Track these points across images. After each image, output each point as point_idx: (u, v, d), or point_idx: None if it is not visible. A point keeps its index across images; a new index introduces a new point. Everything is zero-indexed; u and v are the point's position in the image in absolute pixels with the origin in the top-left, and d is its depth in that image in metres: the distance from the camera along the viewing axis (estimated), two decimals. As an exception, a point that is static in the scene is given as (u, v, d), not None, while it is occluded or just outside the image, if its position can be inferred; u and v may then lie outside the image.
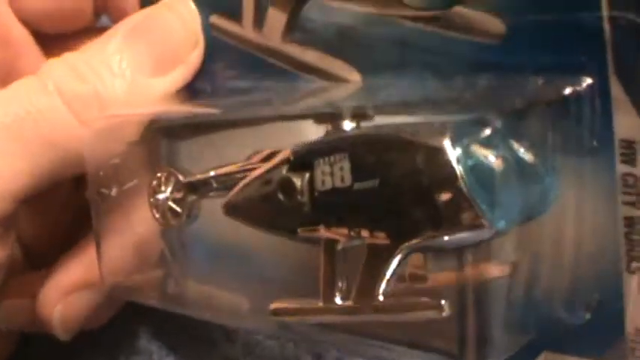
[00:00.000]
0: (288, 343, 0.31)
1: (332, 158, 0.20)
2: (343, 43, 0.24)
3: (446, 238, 0.18)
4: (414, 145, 0.18)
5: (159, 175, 0.26)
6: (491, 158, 0.18)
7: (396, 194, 0.19)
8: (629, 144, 0.20)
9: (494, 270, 0.20)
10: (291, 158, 0.21)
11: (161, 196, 0.26)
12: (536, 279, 0.21)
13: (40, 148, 0.24)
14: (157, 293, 0.27)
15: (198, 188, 0.25)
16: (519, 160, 0.19)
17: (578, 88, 0.20)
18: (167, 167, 0.26)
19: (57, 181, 0.25)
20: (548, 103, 0.20)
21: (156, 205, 0.26)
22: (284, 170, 0.21)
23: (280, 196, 0.21)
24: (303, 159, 0.20)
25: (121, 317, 0.30)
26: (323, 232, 0.20)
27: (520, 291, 0.21)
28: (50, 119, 0.25)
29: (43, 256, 0.28)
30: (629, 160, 0.20)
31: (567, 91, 0.20)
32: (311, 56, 0.24)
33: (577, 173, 0.21)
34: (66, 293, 0.27)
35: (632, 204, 0.20)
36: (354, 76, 0.24)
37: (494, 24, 0.21)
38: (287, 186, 0.20)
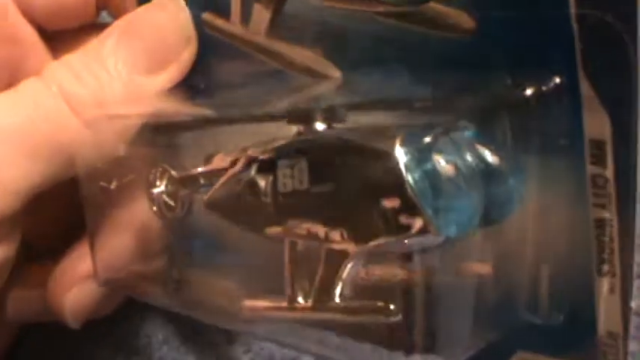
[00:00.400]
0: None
1: (293, 161, 0.20)
2: (323, 39, 0.24)
3: (396, 243, 0.18)
4: (365, 150, 0.18)
5: (154, 170, 0.26)
6: (442, 164, 0.18)
7: (349, 199, 0.19)
8: (598, 144, 0.20)
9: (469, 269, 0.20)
10: (259, 159, 0.21)
11: (156, 191, 0.26)
12: (503, 280, 0.21)
13: (46, 149, 0.26)
14: (158, 287, 0.27)
15: (188, 183, 0.26)
16: (482, 163, 0.19)
17: (547, 87, 0.20)
18: (162, 163, 0.26)
19: (61, 179, 0.26)
20: (515, 103, 0.20)
21: (152, 199, 0.27)
22: (253, 171, 0.21)
23: (248, 197, 0.21)
24: (269, 160, 0.21)
25: (123, 316, 0.31)
26: (284, 233, 0.20)
27: (486, 291, 0.21)
28: (56, 121, 0.26)
29: (47, 249, 0.29)
30: (598, 161, 0.20)
31: (536, 89, 0.20)
32: (293, 52, 0.24)
33: (547, 174, 0.20)
34: (76, 282, 0.28)
35: (602, 206, 0.20)
36: (335, 73, 0.24)
37: (465, 20, 0.21)
38: (253, 187, 0.21)
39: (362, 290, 0.20)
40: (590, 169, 0.20)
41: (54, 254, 0.29)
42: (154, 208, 0.27)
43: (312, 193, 0.19)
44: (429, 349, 0.20)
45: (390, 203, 0.18)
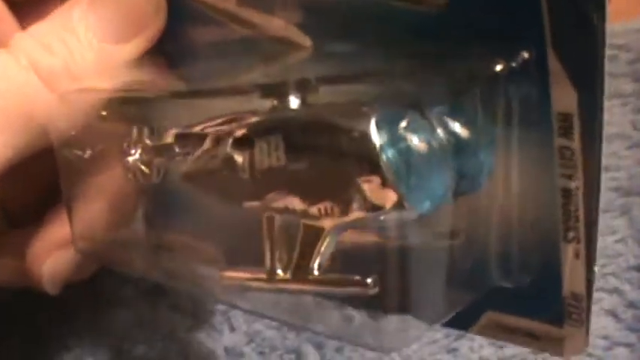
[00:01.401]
0: (290, 332, 0.32)
1: (269, 137, 0.20)
2: (294, 8, 0.24)
3: (372, 219, 0.19)
4: (340, 128, 0.19)
5: (128, 139, 0.26)
6: (415, 142, 0.19)
7: (325, 175, 0.19)
8: (565, 117, 0.20)
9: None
10: (235, 134, 0.21)
11: (130, 159, 0.27)
12: (474, 245, 0.22)
13: (18, 122, 0.25)
14: (137, 255, 0.28)
15: (163, 152, 0.26)
16: (453, 138, 0.20)
17: (515, 61, 0.20)
18: (136, 130, 0.27)
19: (36, 150, 0.26)
20: (484, 78, 0.20)
21: (127, 167, 0.27)
22: (228, 146, 0.21)
23: (225, 172, 0.21)
24: (245, 136, 0.21)
25: (125, 304, 0.31)
26: (262, 208, 0.21)
27: (459, 257, 0.22)
28: (27, 94, 0.25)
29: (24, 215, 0.30)
30: (566, 133, 0.20)
31: (505, 64, 0.20)
32: (265, 20, 0.24)
33: (517, 147, 0.21)
34: (54, 249, 0.28)
35: (568, 177, 0.21)
36: (306, 42, 0.24)
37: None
38: (230, 163, 0.21)
39: (337, 255, 0.21)
40: (558, 141, 0.20)
41: (33, 220, 0.29)
42: (130, 176, 0.27)
43: (289, 169, 0.20)
44: (404, 309, 0.20)
45: (365, 181, 0.18)
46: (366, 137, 0.18)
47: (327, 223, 0.19)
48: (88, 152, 0.27)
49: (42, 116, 0.26)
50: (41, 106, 0.26)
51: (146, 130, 0.26)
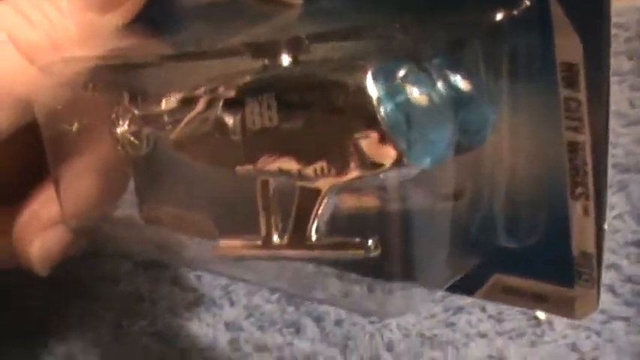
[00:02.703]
0: (289, 306, 0.32)
1: (260, 97, 0.19)
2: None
3: (371, 177, 0.18)
4: (335, 83, 0.18)
5: (116, 109, 0.26)
6: (415, 95, 0.18)
7: (321, 134, 0.18)
8: (570, 67, 0.19)
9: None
10: (225, 96, 0.20)
11: (119, 130, 0.26)
12: (479, 205, 0.21)
13: (1, 99, 0.24)
14: (128, 229, 0.27)
15: (152, 121, 0.25)
16: (454, 92, 0.19)
17: (516, 10, 0.19)
18: (124, 99, 0.26)
19: (20, 126, 0.25)
20: (484, 27, 0.19)
21: (116, 138, 0.26)
22: (219, 109, 0.20)
23: (216, 136, 0.20)
24: (236, 97, 0.20)
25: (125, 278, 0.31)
26: (255, 171, 0.20)
27: (463, 218, 0.21)
28: (9, 71, 0.25)
29: (11, 192, 0.29)
30: (571, 83, 0.19)
31: (505, 12, 0.19)
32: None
33: (520, 99, 0.20)
34: (42, 228, 0.27)
35: (575, 129, 0.20)
36: (296, 0, 0.23)
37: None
38: (221, 126, 0.20)
39: (336, 221, 0.20)
40: (563, 92, 0.19)
41: (20, 196, 0.29)
42: (119, 148, 0.26)
43: (282, 129, 0.19)
44: (407, 276, 0.20)
45: (363, 137, 0.18)
46: (362, 91, 0.17)
47: (323, 184, 0.19)
48: (75, 125, 0.26)
49: (24, 91, 0.25)
50: (24, 82, 0.25)
51: (134, 99, 0.25)
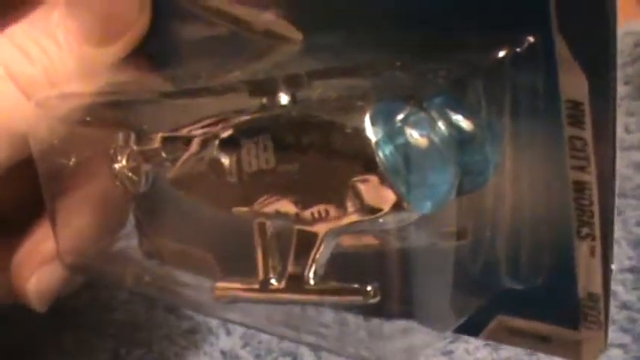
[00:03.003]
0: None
1: (257, 139, 0.19)
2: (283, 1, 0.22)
3: (369, 222, 0.17)
4: (332, 125, 0.17)
5: (114, 145, 0.25)
6: (414, 137, 0.17)
7: (317, 177, 0.18)
8: (575, 105, 0.19)
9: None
10: (221, 136, 0.20)
11: (117, 166, 0.25)
12: (482, 245, 0.20)
13: None
14: (126, 267, 0.26)
15: (150, 157, 0.24)
16: (455, 132, 0.18)
17: (520, 47, 0.19)
18: (122, 135, 0.25)
19: (17, 161, 0.25)
20: (487, 65, 0.19)
21: (115, 174, 0.26)
22: (215, 148, 0.20)
23: (212, 176, 0.20)
24: (232, 137, 0.20)
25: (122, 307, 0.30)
26: (252, 214, 0.19)
27: (466, 259, 0.20)
28: (5, 106, 0.24)
29: (11, 225, 0.28)
30: (576, 121, 0.19)
31: (508, 51, 0.19)
32: (252, 15, 0.23)
33: (524, 138, 0.19)
34: (39, 265, 0.27)
35: (581, 168, 0.19)
36: (296, 35, 0.23)
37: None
38: (217, 166, 0.20)
39: (336, 258, 0.19)
40: (568, 130, 0.19)
41: (19, 232, 0.28)
42: (117, 183, 0.26)
43: (279, 172, 0.18)
44: (408, 315, 0.19)
45: (362, 180, 0.17)
46: (360, 133, 0.17)
47: (321, 228, 0.18)
48: (73, 161, 0.26)
49: (21, 126, 0.24)
50: (21, 117, 0.24)
51: (132, 135, 0.25)
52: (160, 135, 0.23)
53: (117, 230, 0.27)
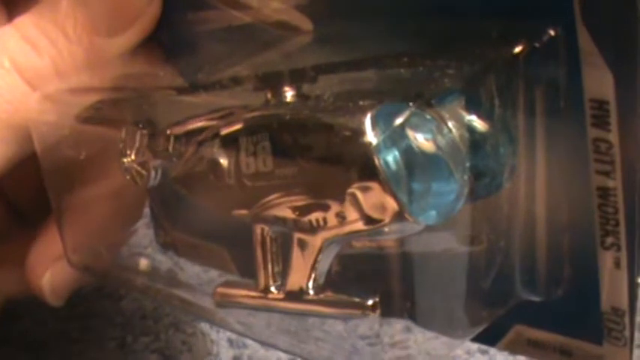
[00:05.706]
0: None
1: (255, 138, 0.18)
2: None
3: (370, 232, 0.16)
4: (330, 127, 0.16)
5: (122, 139, 0.24)
6: (418, 141, 0.16)
7: (315, 182, 0.17)
8: (600, 104, 0.17)
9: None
10: (221, 134, 0.19)
11: (126, 160, 0.25)
12: (500, 254, 0.19)
13: (5, 130, 0.24)
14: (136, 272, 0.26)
15: (157, 153, 0.24)
16: (468, 133, 0.17)
17: (539, 41, 0.17)
18: (131, 130, 0.25)
19: (27, 156, 0.24)
20: (503, 61, 0.17)
21: (124, 169, 0.25)
22: (215, 147, 0.19)
23: (211, 177, 0.19)
24: (232, 135, 0.18)
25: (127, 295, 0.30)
26: (251, 218, 0.18)
27: (481, 267, 0.19)
28: (12, 100, 0.24)
29: (32, 216, 0.28)
30: (600, 123, 0.17)
31: (526, 44, 0.17)
32: (263, 4, 0.22)
33: (542, 140, 0.18)
34: (52, 261, 0.26)
35: (605, 173, 0.18)
36: (307, 25, 0.21)
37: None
38: (215, 167, 0.19)
39: (345, 259, 0.18)
40: (592, 132, 0.17)
41: (35, 226, 0.28)
42: (127, 177, 0.25)
43: (276, 175, 0.17)
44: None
45: (361, 188, 0.16)
46: (359, 136, 0.16)
47: (320, 237, 0.17)
48: (82, 156, 0.25)
49: (29, 121, 0.24)
50: (27, 110, 0.24)
51: (140, 130, 0.24)
52: (165, 131, 0.22)
53: (132, 224, 0.26)
